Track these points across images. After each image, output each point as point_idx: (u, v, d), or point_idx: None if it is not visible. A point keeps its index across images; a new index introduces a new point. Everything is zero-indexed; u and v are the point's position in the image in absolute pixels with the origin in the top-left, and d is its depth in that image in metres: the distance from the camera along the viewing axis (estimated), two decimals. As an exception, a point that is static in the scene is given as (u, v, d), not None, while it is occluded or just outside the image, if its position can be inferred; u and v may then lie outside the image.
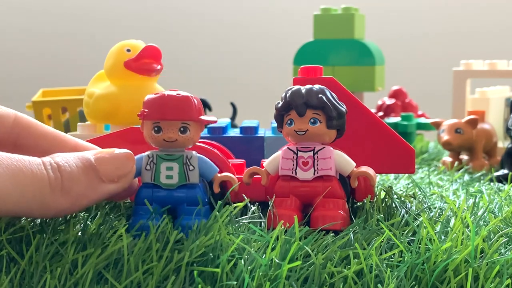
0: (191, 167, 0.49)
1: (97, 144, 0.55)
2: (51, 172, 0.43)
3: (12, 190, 0.42)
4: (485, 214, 0.53)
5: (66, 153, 0.46)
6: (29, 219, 0.50)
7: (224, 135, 0.64)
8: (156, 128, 0.49)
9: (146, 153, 0.50)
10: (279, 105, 0.51)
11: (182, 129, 0.49)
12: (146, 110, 0.49)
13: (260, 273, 0.42)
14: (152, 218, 0.48)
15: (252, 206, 0.52)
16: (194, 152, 0.50)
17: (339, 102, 0.51)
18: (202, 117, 0.50)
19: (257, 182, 0.52)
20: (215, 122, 0.51)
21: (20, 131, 0.50)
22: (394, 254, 0.45)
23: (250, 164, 0.55)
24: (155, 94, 0.49)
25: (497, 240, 0.46)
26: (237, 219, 0.50)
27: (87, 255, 0.44)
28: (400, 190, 0.66)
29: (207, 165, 0.50)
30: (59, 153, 0.45)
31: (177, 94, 0.49)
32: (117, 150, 0.47)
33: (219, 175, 0.50)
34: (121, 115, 0.68)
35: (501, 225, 0.51)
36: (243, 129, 0.65)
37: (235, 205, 0.48)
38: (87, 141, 0.56)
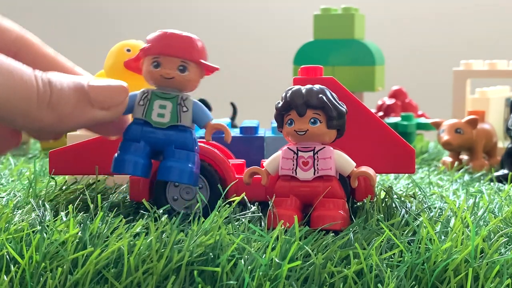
0: (184, 108, 0.49)
1: (97, 144, 0.55)
2: (41, 85, 0.43)
3: None
4: (485, 214, 0.53)
5: (62, 73, 0.45)
6: (29, 218, 0.50)
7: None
8: (155, 63, 0.48)
9: (142, 89, 0.49)
10: (279, 105, 0.51)
11: (181, 67, 0.48)
12: (148, 44, 0.48)
13: (260, 273, 0.42)
14: (138, 155, 0.48)
15: (252, 206, 0.52)
16: (190, 96, 0.49)
17: (339, 102, 0.51)
18: (203, 61, 0.49)
19: (257, 182, 0.52)
20: (217, 69, 0.50)
21: (21, 46, 0.50)
22: (394, 254, 0.45)
23: (250, 164, 0.55)
24: (159, 31, 0.49)
25: (497, 240, 0.46)
26: (236, 216, 0.50)
27: (87, 255, 0.44)
28: (400, 190, 0.66)
29: (201, 110, 0.49)
30: (54, 72, 0.45)
31: (181, 32, 0.48)
32: (113, 81, 0.47)
33: (211, 123, 0.49)
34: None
35: (501, 225, 0.51)
36: (243, 129, 0.65)
37: (232, 198, 0.49)
38: (86, 140, 0.56)
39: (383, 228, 0.47)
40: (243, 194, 0.50)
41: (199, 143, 0.55)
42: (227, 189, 0.52)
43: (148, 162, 0.49)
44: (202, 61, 0.49)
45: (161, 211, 0.49)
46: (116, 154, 0.49)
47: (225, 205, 0.48)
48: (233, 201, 0.49)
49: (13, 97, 0.42)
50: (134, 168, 0.48)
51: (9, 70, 0.42)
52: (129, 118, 0.50)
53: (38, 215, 0.51)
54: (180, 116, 0.48)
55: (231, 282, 0.42)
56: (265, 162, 0.52)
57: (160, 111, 0.48)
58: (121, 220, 0.48)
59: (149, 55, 0.48)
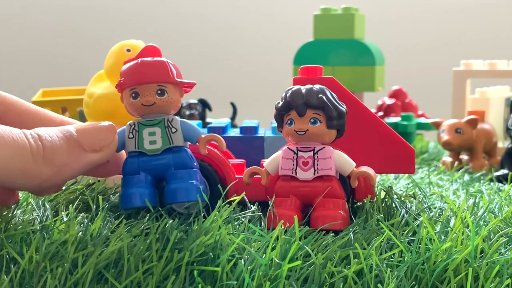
0: (173, 130, 0.49)
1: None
2: (32, 141, 0.44)
3: None
4: (485, 214, 0.53)
5: (47, 127, 0.46)
6: (29, 219, 0.50)
7: (224, 135, 0.64)
8: (133, 94, 0.48)
9: (128, 122, 0.50)
10: (279, 105, 0.51)
11: (159, 91, 0.48)
12: (122, 79, 0.49)
13: (260, 273, 0.42)
14: (141, 186, 0.48)
15: (252, 206, 0.52)
16: (176, 116, 0.50)
17: (339, 102, 0.51)
18: (179, 79, 0.49)
19: (257, 182, 0.52)
20: (194, 84, 0.50)
21: (4, 109, 0.51)
22: (394, 254, 0.45)
23: (250, 164, 0.55)
24: (130, 62, 0.49)
25: (497, 240, 0.46)
26: (236, 216, 0.50)
27: (87, 254, 0.44)
28: (400, 190, 0.66)
29: (190, 127, 0.49)
30: (40, 127, 0.46)
31: (151, 58, 0.49)
32: (99, 123, 0.48)
33: (203, 136, 0.49)
34: (121, 115, 0.68)
35: (501, 225, 0.51)
36: (243, 129, 0.65)
37: (232, 198, 0.49)
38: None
39: (383, 228, 0.47)
40: (243, 194, 0.50)
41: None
42: (227, 189, 0.52)
43: (153, 191, 0.49)
44: (178, 79, 0.49)
45: (162, 211, 0.49)
46: (121, 191, 0.49)
47: (225, 205, 0.48)
48: (233, 201, 0.49)
49: (9, 159, 0.42)
50: (141, 200, 0.48)
51: (0, 136, 0.43)
52: (124, 154, 0.51)
53: (38, 215, 0.51)
54: (171, 138, 0.49)
55: (231, 282, 0.42)
56: (265, 162, 0.52)
57: (151, 138, 0.49)
58: (121, 221, 0.48)
59: (126, 88, 0.49)
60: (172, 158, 0.49)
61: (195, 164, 0.49)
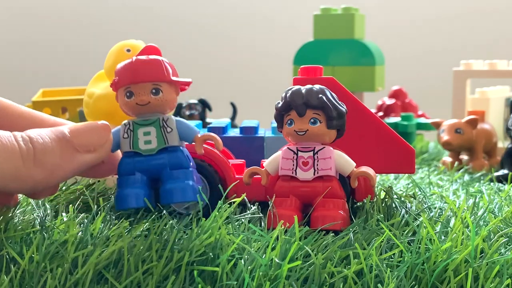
0: (168, 129, 0.48)
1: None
2: (23, 144, 0.43)
3: None
4: (485, 214, 0.53)
5: (40, 128, 0.45)
6: (29, 219, 0.50)
7: (224, 135, 0.64)
8: (128, 94, 0.48)
9: (123, 122, 0.49)
10: (279, 105, 0.51)
11: (154, 90, 0.48)
12: (116, 78, 0.48)
13: (260, 273, 0.42)
14: (137, 187, 0.47)
15: (252, 206, 0.52)
16: (171, 116, 0.49)
17: (339, 102, 0.51)
18: (174, 78, 0.48)
19: (257, 182, 0.52)
20: (190, 83, 0.50)
21: None
22: (394, 254, 0.45)
23: (250, 164, 0.55)
24: (124, 61, 0.49)
25: (497, 240, 0.46)
26: (236, 216, 0.50)
27: (87, 254, 0.44)
28: (400, 190, 0.66)
29: (186, 126, 0.49)
30: (33, 129, 0.45)
31: (146, 57, 0.48)
32: (93, 122, 0.47)
33: (199, 135, 0.49)
34: (121, 115, 0.68)
35: (501, 225, 0.51)
36: (243, 129, 0.65)
37: (232, 200, 0.49)
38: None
39: (383, 228, 0.47)
40: (243, 195, 0.50)
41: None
42: (228, 189, 0.52)
43: (149, 191, 0.48)
44: (174, 78, 0.48)
45: (163, 211, 0.49)
46: (116, 192, 0.48)
47: (225, 205, 0.48)
48: (234, 202, 0.49)
49: None
50: (137, 201, 0.47)
51: None
52: (119, 154, 0.50)
53: (38, 215, 0.51)
54: (166, 138, 0.48)
55: (231, 282, 0.42)
56: (265, 162, 0.52)
57: (146, 138, 0.48)
58: (122, 221, 0.48)
59: (120, 87, 0.48)
60: (168, 158, 0.48)
61: (191, 164, 0.49)
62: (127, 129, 0.49)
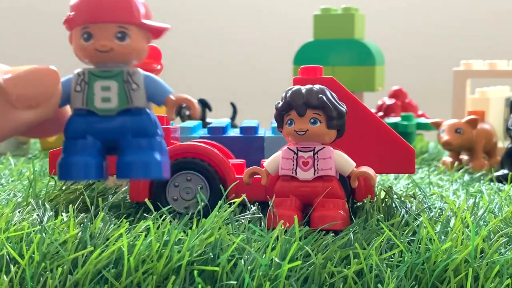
0: (134, 86, 0.39)
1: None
2: None
3: None
4: (485, 214, 0.53)
5: None
6: (29, 219, 0.50)
7: (224, 135, 0.64)
8: (85, 35, 0.39)
9: (76, 71, 0.39)
10: (279, 105, 0.51)
11: (119, 34, 0.38)
12: (72, 13, 0.39)
13: (260, 273, 0.42)
14: (87, 154, 0.38)
15: (252, 206, 0.52)
16: (138, 69, 0.40)
17: (339, 102, 0.51)
18: (146, 21, 0.39)
19: (257, 182, 0.52)
20: (165, 29, 0.41)
21: None
22: (394, 254, 0.45)
23: (250, 164, 0.55)
24: None
25: (497, 240, 0.46)
26: (236, 216, 0.50)
27: (87, 254, 0.44)
28: (400, 190, 0.66)
29: (156, 84, 0.39)
30: None
31: None
32: (36, 67, 0.38)
33: (172, 97, 0.39)
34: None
35: (501, 225, 0.51)
36: (243, 129, 0.65)
37: (233, 200, 0.49)
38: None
39: (383, 228, 0.47)
40: (243, 196, 0.50)
41: (198, 143, 0.55)
42: (228, 189, 0.52)
43: (102, 160, 0.39)
44: (145, 21, 0.39)
45: (164, 211, 0.49)
46: (59, 158, 0.39)
47: (225, 205, 0.48)
48: (234, 202, 0.49)
49: None
50: (86, 172, 0.38)
51: None
52: (68, 110, 0.41)
53: (38, 215, 0.51)
54: (130, 97, 0.39)
55: (231, 282, 0.42)
56: (265, 162, 0.52)
57: (104, 94, 0.39)
58: (121, 221, 0.48)
59: (76, 26, 0.39)
60: (130, 121, 0.39)
61: (158, 131, 0.39)
62: (80, 81, 0.39)
